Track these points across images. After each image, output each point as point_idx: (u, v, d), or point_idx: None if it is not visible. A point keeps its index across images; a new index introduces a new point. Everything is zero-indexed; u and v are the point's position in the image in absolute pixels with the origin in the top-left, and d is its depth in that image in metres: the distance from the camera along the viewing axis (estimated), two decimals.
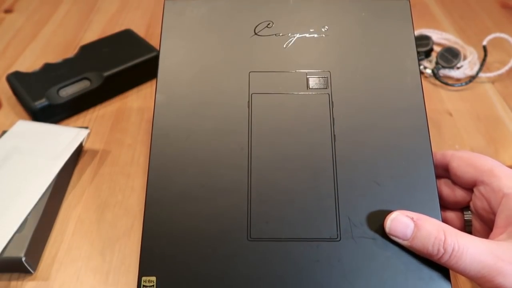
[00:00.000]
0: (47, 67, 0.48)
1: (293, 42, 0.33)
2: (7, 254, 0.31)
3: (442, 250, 0.25)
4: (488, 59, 0.51)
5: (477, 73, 0.50)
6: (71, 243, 0.35)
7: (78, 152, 0.42)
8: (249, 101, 0.31)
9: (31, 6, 0.67)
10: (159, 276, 0.27)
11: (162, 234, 0.28)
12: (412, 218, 0.26)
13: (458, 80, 0.52)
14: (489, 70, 0.52)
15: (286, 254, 0.27)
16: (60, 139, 0.40)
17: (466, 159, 0.29)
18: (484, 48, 0.51)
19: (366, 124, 0.30)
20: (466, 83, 0.50)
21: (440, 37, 0.57)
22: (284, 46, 0.33)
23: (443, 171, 0.31)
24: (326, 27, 0.34)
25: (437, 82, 0.51)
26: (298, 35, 0.34)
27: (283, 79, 0.32)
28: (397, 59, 0.33)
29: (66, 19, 0.64)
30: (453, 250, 0.25)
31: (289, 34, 0.34)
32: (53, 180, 0.36)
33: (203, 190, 0.29)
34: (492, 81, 0.52)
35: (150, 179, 0.29)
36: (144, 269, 0.27)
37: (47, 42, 0.60)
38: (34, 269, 0.33)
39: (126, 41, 0.52)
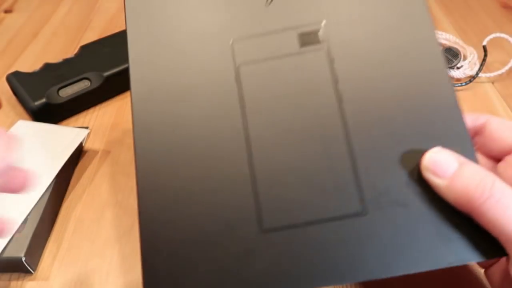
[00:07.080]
0: (47, 67, 0.48)
1: None
2: (7, 254, 0.31)
3: (487, 193, 0.21)
4: (488, 59, 0.51)
5: (477, 73, 0.50)
6: (71, 243, 0.35)
7: (78, 152, 0.42)
8: (236, 75, 0.27)
9: (31, 6, 0.67)
10: None
11: (163, 246, 0.24)
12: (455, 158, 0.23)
13: (458, 80, 0.52)
14: (489, 70, 0.52)
15: (307, 241, 0.23)
16: (60, 139, 0.40)
17: (509, 124, 0.26)
18: (484, 48, 0.51)
19: (378, 75, 0.26)
20: (466, 83, 0.50)
21: (440, 37, 0.57)
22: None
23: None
24: None
25: None
26: None
27: (270, 41, 0.27)
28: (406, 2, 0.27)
29: (66, 19, 0.64)
30: (501, 196, 0.20)
31: None
32: (53, 180, 0.36)
33: (201, 187, 0.25)
34: (492, 81, 0.52)
35: (140, 185, 0.25)
36: None
37: (47, 42, 0.60)
38: (34, 269, 0.33)
39: (126, 41, 0.52)
